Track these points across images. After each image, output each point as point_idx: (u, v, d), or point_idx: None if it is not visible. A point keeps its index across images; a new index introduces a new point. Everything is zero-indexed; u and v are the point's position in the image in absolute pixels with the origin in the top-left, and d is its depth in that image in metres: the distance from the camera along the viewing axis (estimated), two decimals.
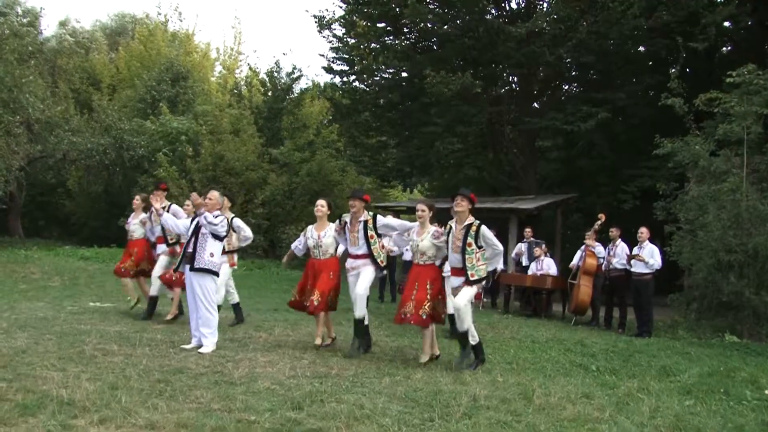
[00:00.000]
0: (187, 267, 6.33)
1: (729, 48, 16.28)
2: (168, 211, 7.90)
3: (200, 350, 6.12)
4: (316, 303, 6.39)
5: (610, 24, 13.24)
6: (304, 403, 4.52)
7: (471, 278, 5.92)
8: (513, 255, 12.68)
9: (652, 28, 13.41)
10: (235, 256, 8.08)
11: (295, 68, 24.03)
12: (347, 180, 21.77)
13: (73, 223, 24.41)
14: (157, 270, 8.17)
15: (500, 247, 6.17)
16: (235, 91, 25.52)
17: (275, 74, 23.61)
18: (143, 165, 20.08)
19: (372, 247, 6.48)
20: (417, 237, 6.25)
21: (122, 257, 8.70)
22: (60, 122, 17.88)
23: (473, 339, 6.07)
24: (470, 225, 6.00)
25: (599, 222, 10.68)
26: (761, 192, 10.16)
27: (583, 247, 10.83)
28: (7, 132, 15.10)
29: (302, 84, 24.44)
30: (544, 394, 5.06)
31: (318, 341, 6.57)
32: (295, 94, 23.89)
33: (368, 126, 18.43)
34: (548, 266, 11.50)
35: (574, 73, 16.34)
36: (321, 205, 6.75)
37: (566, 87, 17.68)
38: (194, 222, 6.43)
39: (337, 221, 6.71)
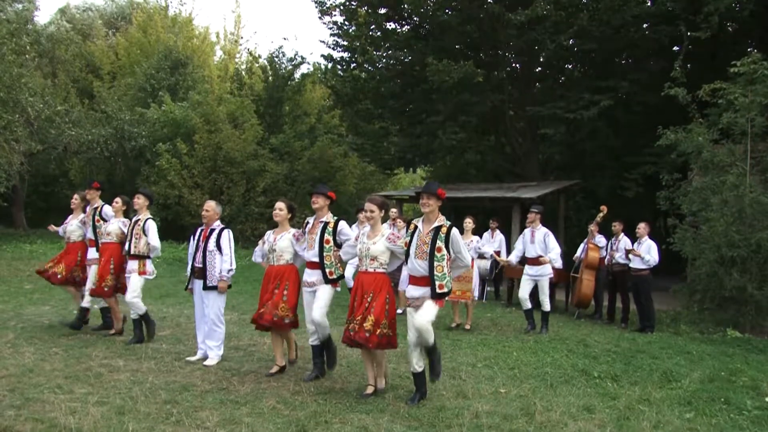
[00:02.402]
0: (197, 282, 6.34)
1: (734, 28, 16.04)
2: (100, 213, 7.67)
3: (205, 363, 6.19)
4: (270, 316, 5.74)
5: (612, 11, 13.05)
6: (308, 425, 4.59)
7: (439, 290, 5.07)
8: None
9: (655, 15, 13.23)
10: (148, 264, 7.17)
11: (296, 54, 23.84)
12: (349, 165, 21.76)
13: None
14: (89, 283, 7.54)
15: (467, 259, 5.28)
16: (236, 78, 25.31)
17: (276, 60, 23.44)
18: (145, 155, 20.05)
19: (324, 254, 5.68)
20: (367, 239, 5.34)
21: (56, 259, 7.91)
22: (61, 113, 17.78)
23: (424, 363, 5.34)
24: (440, 227, 5.12)
25: (601, 214, 10.66)
26: (765, 183, 10.11)
27: (585, 240, 10.83)
28: (4, 128, 15.06)
29: (303, 69, 24.26)
30: (545, 409, 5.11)
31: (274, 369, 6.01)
32: (296, 80, 23.74)
33: (370, 113, 18.34)
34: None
35: (575, 59, 16.14)
36: (279, 209, 5.97)
37: (569, 68, 17.49)
38: (197, 235, 6.44)
39: (299, 230, 5.99)
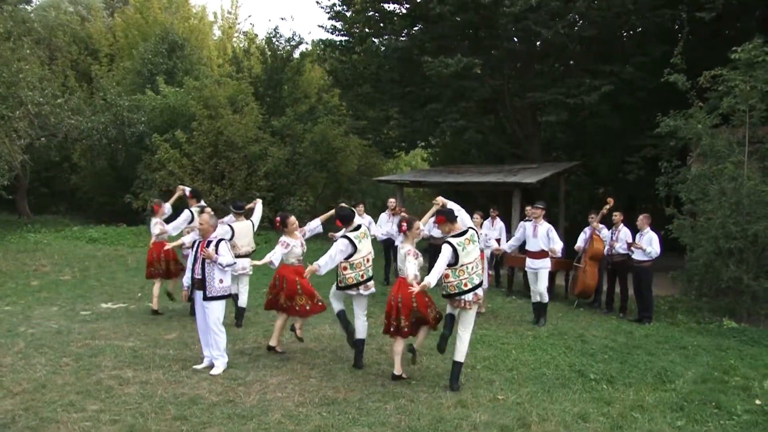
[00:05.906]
0: (197, 293, 6.49)
1: (737, 6, 15.83)
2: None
3: (212, 372, 6.36)
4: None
5: None
6: None
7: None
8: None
9: None
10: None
11: (294, 34, 23.56)
12: (351, 146, 21.74)
13: (80, 198, 24.60)
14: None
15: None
16: (234, 60, 25.07)
17: (274, 41, 23.21)
18: (144, 141, 20.05)
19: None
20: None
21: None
22: (60, 104, 17.74)
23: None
24: None
25: (607, 206, 10.64)
26: (763, 170, 10.13)
27: (589, 230, 10.83)
28: (2, 119, 15.04)
29: (301, 49, 24.04)
30: (541, 418, 5.28)
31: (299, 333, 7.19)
32: (295, 60, 23.54)
33: (370, 97, 18.27)
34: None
35: (575, 42, 15.96)
36: (293, 222, 7.13)
37: (569, 47, 17.32)
38: (195, 247, 6.55)
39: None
